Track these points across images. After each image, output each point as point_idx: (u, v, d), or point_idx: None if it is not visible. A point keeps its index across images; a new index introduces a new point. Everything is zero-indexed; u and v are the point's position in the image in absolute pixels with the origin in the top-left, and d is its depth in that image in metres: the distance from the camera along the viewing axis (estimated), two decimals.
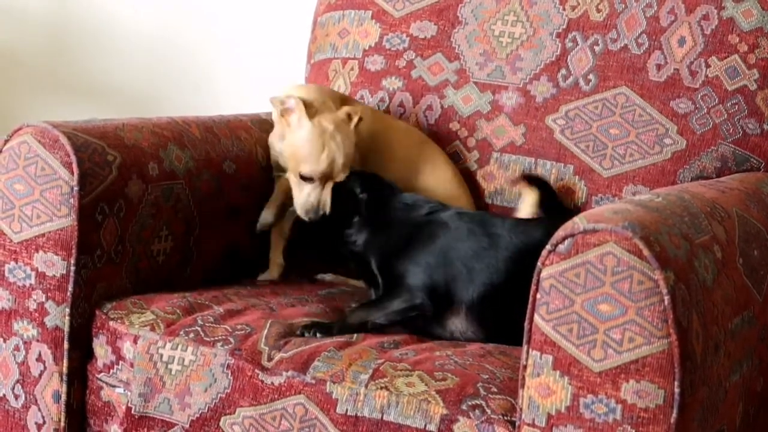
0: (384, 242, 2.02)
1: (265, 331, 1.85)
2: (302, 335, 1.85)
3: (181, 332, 1.86)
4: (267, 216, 2.24)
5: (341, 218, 2.07)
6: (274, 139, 2.25)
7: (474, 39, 2.37)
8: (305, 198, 2.10)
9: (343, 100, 2.27)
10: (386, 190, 2.10)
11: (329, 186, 2.10)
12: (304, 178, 2.10)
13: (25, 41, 3.33)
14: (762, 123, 2.15)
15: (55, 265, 1.91)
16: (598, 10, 2.27)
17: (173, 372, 1.83)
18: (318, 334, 1.85)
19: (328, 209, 2.10)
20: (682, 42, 2.19)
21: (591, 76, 2.25)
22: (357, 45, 2.46)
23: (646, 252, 1.49)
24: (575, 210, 2.20)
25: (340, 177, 2.10)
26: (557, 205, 2.20)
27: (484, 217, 2.02)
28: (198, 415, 1.81)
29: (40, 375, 1.94)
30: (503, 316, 1.87)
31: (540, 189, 2.19)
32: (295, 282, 2.25)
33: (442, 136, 2.35)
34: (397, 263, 1.97)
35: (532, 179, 2.21)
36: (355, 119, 2.14)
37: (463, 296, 1.90)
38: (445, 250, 1.94)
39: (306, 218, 2.11)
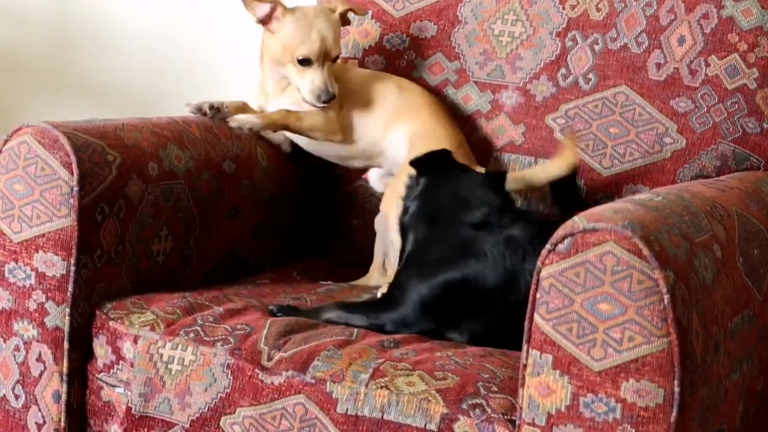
0: (422, 234, 1.96)
1: (265, 330, 1.85)
2: (271, 313, 1.93)
3: (181, 332, 1.86)
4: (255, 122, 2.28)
5: None
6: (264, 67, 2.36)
7: (474, 38, 2.37)
8: (311, 84, 2.22)
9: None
10: (446, 173, 2.02)
11: (328, 66, 2.22)
12: (303, 62, 2.21)
13: (25, 41, 3.33)
14: (762, 122, 2.15)
15: (55, 265, 1.91)
16: (598, 9, 2.27)
17: (173, 372, 1.83)
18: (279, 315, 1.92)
19: (335, 89, 2.22)
20: (681, 41, 2.19)
21: (591, 75, 2.25)
22: (357, 45, 2.46)
23: (645, 251, 1.49)
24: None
25: (334, 53, 2.23)
26: (574, 201, 2.15)
27: (529, 247, 1.84)
28: (198, 415, 1.81)
29: (40, 375, 1.94)
30: (508, 342, 1.81)
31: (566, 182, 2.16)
32: (295, 281, 2.25)
33: None
34: (417, 268, 1.91)
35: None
36: (340, 9, 2.28)
37: (468, 327, 1.87)
38: (469, 283, 1.85)
39: (319, 103, 2.22)
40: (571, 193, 2.16)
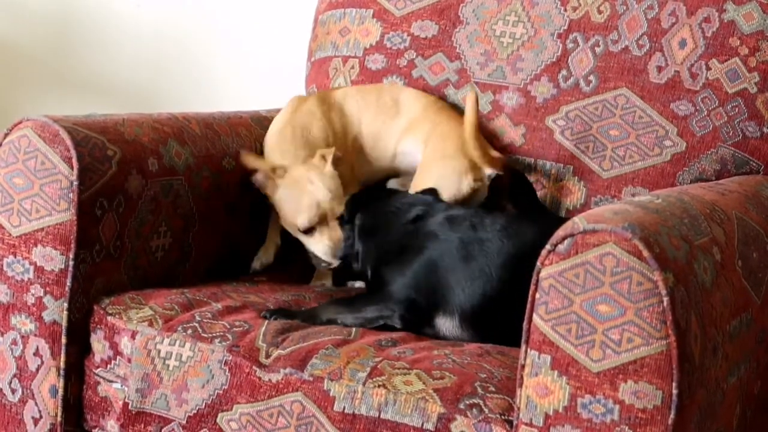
0: (375, 254, 2.02)
1: (263, 328, 1.85)
2: (264, 318, 1.89)
3: (179, 328, 1.86)
4: (267, 258, 2.25)
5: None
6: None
7: (475, 39, 2.37)
8: (321, 246, 2.13)
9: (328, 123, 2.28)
10: (375, 200, 2.10)
11: (334, 223, 2.13)
12: (306, 231, 2.13)
13: (27, 36, 3.33)
14: (762, 126, 2.15)
15: (53, 259, 1.91)
16: (600, 12, 2.27)
17: (171, 368, 1.83)
18: (276, 319, 1.89)
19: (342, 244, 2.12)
20: (682, 44, 2.19)
21: (591, 77, 2.25)
22: (358, 43, 2.46)
23: (645, 253, 1.49)
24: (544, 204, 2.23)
25: (338, 210, 2.12)
26: (530, 199, 2.20)
27: (474, 219, 1.96)
28: (195, 412, 1.81)
29: (38, 369, 1.94)
30: (500, 320, 1.85)
31: (515, 180, 2.21)
32: (293, 278, 2.25)
33: None
34: (385, 270, 1.96)
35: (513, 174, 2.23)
36: (330, 158, 2.15)
37: (455, 305, 1.88)
38: (434, 261, 1.91)
39: (334, 261, 2.13)
40: (527, 195, 2.20)
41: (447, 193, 2.13)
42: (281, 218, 2.18)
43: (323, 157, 2.16)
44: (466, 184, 2.16)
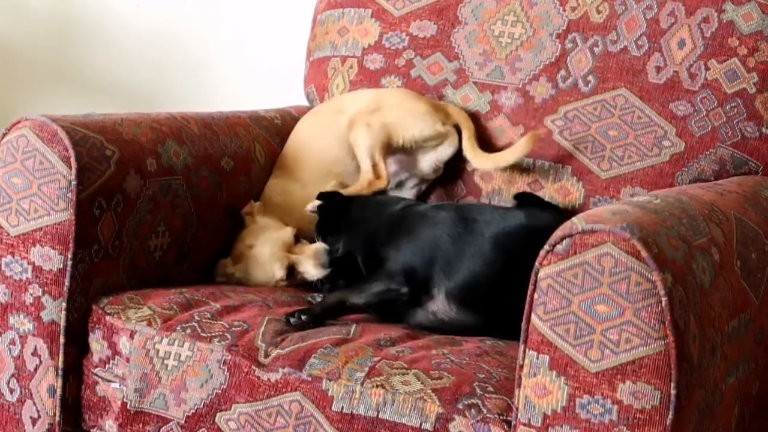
0: (365, 237, 2.07)
1: (262, 327, 1.85)
2: (287, 322, 1.87)
3: (178, 328, 1.86)
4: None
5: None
6: None
7: (474, 39, 2.37)
8: (310, 268, 2.16)
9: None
10: (348, 202, 2.17)
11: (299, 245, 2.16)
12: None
13: (26, 35, 3.33)
14: (761, 126, 2.15)
15: (52, 259, 1.91)
16: (599, 12, 2.27)
17: (169, 367, 1.83)
18: (303, 317, 1.87)
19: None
20: (681, 44, 2.19)
21: (590, 78, 2.25)
22: (356, 43, 2.46)
23: (644, 253, 1.49)
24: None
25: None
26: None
27: (461, 205, 2.07)
28: (194, 411, 1.81)
29: (36, 369, 1.94)
30: (485, 298, 1.88)
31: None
32: None
33: None
34: (380, 250, 2.01)
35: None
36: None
37: (443, 281, 1.90)
38: (425, 237, 1.96)
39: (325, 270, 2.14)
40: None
41: (409, 133, 2.24)
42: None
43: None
44: (431, 124, 2.26)
